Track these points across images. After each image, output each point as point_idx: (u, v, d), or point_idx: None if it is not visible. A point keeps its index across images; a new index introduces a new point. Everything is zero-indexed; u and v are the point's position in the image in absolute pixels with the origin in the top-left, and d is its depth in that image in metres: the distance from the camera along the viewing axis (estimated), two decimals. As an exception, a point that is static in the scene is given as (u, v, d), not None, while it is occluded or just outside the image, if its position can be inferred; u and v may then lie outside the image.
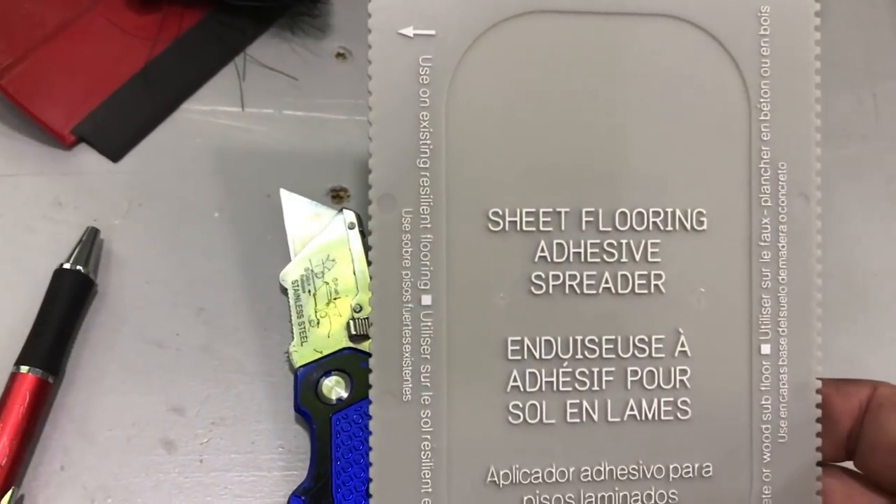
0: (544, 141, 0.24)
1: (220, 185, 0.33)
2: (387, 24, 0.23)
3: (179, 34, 0.35)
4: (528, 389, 0.23)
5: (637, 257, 0.24)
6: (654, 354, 0.24)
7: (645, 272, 0.24)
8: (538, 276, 0.23)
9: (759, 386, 0.24)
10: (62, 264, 0.30)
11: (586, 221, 0.24)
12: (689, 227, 0.24)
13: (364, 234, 0.32)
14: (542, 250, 0.23)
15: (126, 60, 0.35)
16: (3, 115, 0.34)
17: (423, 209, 0.23)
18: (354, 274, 0.31)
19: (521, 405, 0.23)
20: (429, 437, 0.23)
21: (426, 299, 0.23)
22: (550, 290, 0.23)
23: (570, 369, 0.23)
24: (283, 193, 0.33)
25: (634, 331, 0.24)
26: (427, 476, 0.23)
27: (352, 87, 0.36)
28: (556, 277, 0.23)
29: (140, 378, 0.30)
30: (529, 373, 0.23)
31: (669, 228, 0.24)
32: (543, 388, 0.23)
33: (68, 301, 0.29)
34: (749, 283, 0.24)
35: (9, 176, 0.33)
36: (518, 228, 0.23)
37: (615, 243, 0.24)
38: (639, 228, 0.24)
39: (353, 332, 0.30)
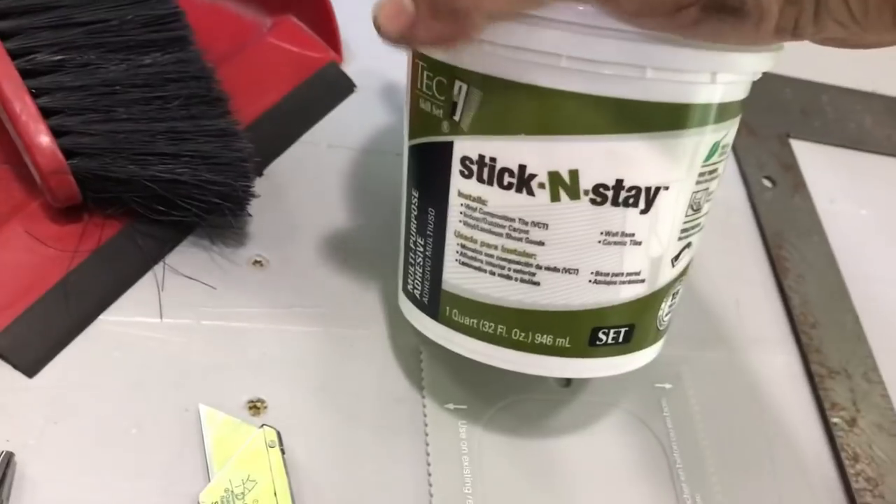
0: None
1: (138, 400, 0.34)
2: (437, 398, 0.36)
3: (99, 245, 0.36)
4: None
5: None
6: None
7: None
8: None
9: None
10: (-26, 495, 0.29)
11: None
12: None
13: (283, 452, 0.33)
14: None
15: (45, 273, 0.35)
16: (-90, 327, 0.33)
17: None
18: (275, 495, 0.32)
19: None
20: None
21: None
22: None
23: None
24: (202, 408, 0.34)
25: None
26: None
27: (268, 296, 0.38)
28: None
29: None
30: None
31: None
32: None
33: (-21, 535, 0.29)
34: None
35: (-84, 395, 0.32)
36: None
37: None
38: None
39: (276, 558, 0.30)
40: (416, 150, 0.32)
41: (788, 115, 0.55)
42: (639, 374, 0.38)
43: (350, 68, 0.47)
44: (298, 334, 0.37)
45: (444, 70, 0.29)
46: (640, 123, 0.28)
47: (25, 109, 0.34)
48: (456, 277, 0.32)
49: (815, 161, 0.53)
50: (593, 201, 0.29)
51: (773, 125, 0.54)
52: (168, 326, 0.36)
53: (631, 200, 0.29)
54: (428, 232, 0.32)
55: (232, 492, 0.32)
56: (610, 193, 0.29)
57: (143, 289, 0.37)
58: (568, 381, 0.39)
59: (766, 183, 0.50)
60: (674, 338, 0.42)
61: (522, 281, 0.31)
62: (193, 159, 0.35)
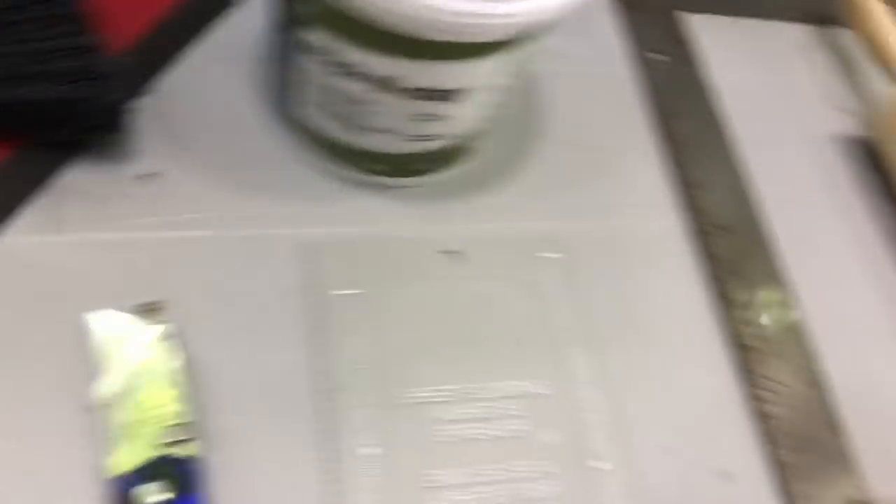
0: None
1: (36, 311, 0.36)
2: (328, 286, 0.39)
3: (-9, 169, 0.38)
4: None
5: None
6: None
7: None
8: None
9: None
10: None
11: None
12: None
13: (179, 349, 0.35)
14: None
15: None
16: None
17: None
18: (169, 387, 0.34)
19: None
20: None
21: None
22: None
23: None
24: (93, 314, 0.36)
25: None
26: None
27: (162, 206, 0.39)
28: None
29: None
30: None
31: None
32: None
33: None
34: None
35: None
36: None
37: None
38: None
39: (168, 441, 0.32)
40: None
41: (681, -11, 0.55)
42: (525, 246, 0.41)
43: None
44: (194, 240, 0.39)
45: None
46: (443, 53, 0.33)
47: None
48: (308, 114, 0.40)
49: (708, 33, 0.54)
50: (407, 95, 0.35)
51: (667, 0, 0.54)
52: (65, 242, 0.38)
53: (438, 96, 0.35)
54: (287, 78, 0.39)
55: (124, 385, 0.34)
56: (420, 92, 0.35)
57: (37, 207, 0.38)
58: (458, 257, 0.41)
59: (658, 57, 0.51)
60: (560, 210, 0.44)
61: (355, 132, 0.39)
62: (60, 78, 0.36)
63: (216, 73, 0.45)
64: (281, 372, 0.36)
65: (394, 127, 0.38)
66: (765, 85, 0.53)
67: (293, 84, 0.38)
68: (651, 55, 0.51)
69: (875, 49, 0.52)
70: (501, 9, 0.30)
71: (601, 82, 0.50)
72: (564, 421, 0.37)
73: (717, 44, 0.54)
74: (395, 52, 0.33)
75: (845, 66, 0.56)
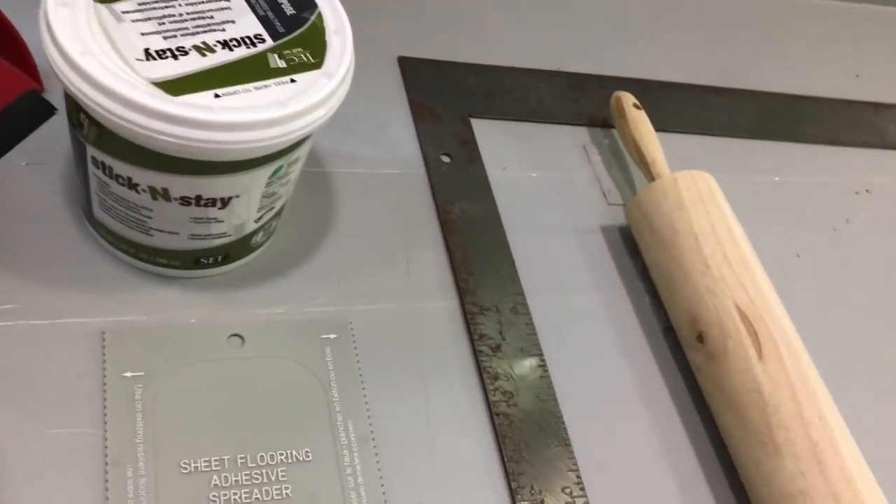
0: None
1: None
2: (116, 369, 0.43)
3: None
4: None
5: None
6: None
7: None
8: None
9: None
10: None
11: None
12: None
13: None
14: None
15: None
16: None
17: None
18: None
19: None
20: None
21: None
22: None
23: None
24: None
25: None
26: None
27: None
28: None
29: None
30: None
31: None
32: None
33: None
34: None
35: None
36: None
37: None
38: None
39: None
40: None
41: (472, 99, 0.63)
42: (309, 329, 0.46)
43: (54, 94, 0.53)
44: (-5, 329, 0.43)
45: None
46: (207, 170, 0.38)
47: None
48: (101, 215, 0.44)
49: (493, 136, 0.62)
50: (182, 202, 0.40)
51: (456, 109, 0.62)
52: None
53: (210, 203, 0.41)
54: (84, 182, 0.43)
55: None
56: (193, 200, 0.40)
57: None
58: (243, 341, 0.46)
59: (445, 159, 0.59)
60: (348, 295, 0.49)
61: (141, 231, 0.43)
62: None
63: (31, 172, 0.49)
64: (72, 446, 0.40)
65: (174, 228, 0.42)
66: (545, 181, 0.61)
67: (87, 187, 0.43)
68: (441, 157, 0.58)
69: (634, 150, 0.60)
70: (247, 136, 0.36)
71: (396, 182, 0.57)
72: (324, 482, 0.42)
73: (502, 146, 0.61)
74: (162, 169, 0.38)
75: (618, 164, 0.64)
